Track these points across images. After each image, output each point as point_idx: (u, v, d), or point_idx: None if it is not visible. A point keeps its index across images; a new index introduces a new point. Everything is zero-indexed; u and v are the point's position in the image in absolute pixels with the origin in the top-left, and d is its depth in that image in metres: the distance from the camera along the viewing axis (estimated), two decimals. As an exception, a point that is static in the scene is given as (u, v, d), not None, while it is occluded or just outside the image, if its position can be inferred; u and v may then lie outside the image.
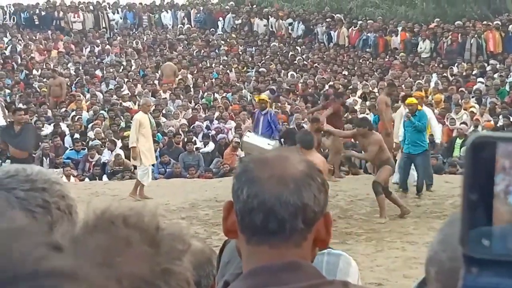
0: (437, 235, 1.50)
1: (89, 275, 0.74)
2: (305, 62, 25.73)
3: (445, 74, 22.47)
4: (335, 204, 11.75)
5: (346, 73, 24.22)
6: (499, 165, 0.72)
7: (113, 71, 24.05)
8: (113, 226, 0.90)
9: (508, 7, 27.70)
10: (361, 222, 11.25)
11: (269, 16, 29.45)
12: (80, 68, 24.78)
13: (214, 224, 10.82)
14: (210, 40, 28.21)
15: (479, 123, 17.30)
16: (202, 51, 26.97)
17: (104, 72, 24.16)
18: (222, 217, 1.63)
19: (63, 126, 18.45)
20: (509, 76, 21.71)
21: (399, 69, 23.81)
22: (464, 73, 22.55)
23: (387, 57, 25.51)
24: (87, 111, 19.88)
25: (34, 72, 24.09)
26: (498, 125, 17.27)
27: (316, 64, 25.31)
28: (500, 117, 17.77)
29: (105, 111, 19.51)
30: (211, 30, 29.39)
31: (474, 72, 22.66)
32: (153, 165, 14.34)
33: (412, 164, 12.76)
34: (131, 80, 22.91)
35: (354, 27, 27.49)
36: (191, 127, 18.58)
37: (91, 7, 30.08)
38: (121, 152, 16.28)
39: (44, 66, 24.59)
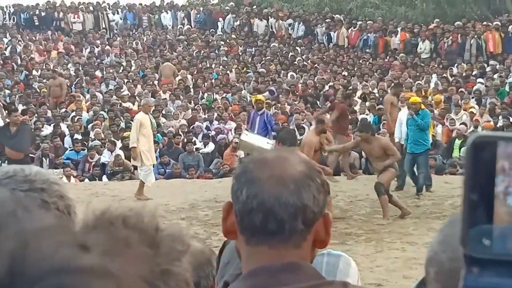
0: (437, 236, 1.50)
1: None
2: (305, 62, 25.72)
3: (444, 75, 22.45)
4: (334, 205, 11.74)
5: (346, 73, 24.20)
6: (499, 166, 0.72)
7: (113, 72, 24.06)
8: (112, 227, 0.90)
9: (508, 7, 27.70)
10: (361, 223, 11.25)
11: (269, 17, 29.45)
12: (80, 68, 24.78)
13: (214, 224, 10.81)
14: (210, 40, 28.21)
15: (479, 123, 17.30)
16: (202, 51, 26.95)
17: (104, 72, 24.18)
18: (221, 217, 1.63)
19: (63, 126, 18.45)
20: (508, 77, 21.70)
21: (399, 69, 23.80)
22: (464, 74, 22.54)
23: (387, 57, 25.49)
24: (87, 112, 19.89)
25: (34, 72, 24.10)
26: (497, 125, 17.28)
27: (316, 65, 25.31)
28: (500, 117, 17.77)
29: (105, 111, 19.52)
30: (211, 30, 29.38)
31: (474, 73, 22.65)
32: (153, 165, 14.34)
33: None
34: (131, 80, 22.91)
35: (354, 28, 27.48)
36: (191, 128, 18.56)
37: (91, 8, 30.09)
38: (121, 153, 16.28)
39: (44, 67, 24.58)
